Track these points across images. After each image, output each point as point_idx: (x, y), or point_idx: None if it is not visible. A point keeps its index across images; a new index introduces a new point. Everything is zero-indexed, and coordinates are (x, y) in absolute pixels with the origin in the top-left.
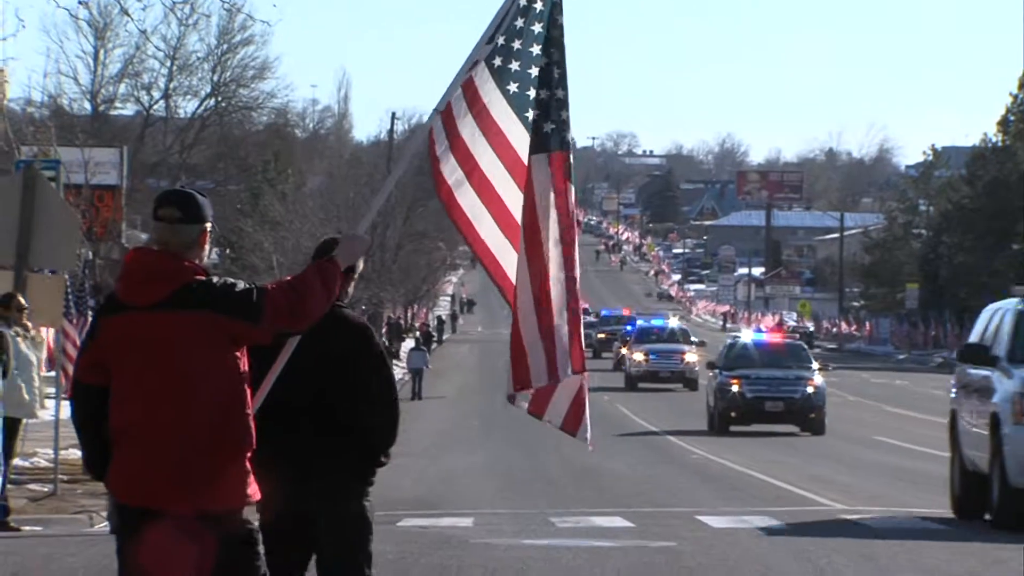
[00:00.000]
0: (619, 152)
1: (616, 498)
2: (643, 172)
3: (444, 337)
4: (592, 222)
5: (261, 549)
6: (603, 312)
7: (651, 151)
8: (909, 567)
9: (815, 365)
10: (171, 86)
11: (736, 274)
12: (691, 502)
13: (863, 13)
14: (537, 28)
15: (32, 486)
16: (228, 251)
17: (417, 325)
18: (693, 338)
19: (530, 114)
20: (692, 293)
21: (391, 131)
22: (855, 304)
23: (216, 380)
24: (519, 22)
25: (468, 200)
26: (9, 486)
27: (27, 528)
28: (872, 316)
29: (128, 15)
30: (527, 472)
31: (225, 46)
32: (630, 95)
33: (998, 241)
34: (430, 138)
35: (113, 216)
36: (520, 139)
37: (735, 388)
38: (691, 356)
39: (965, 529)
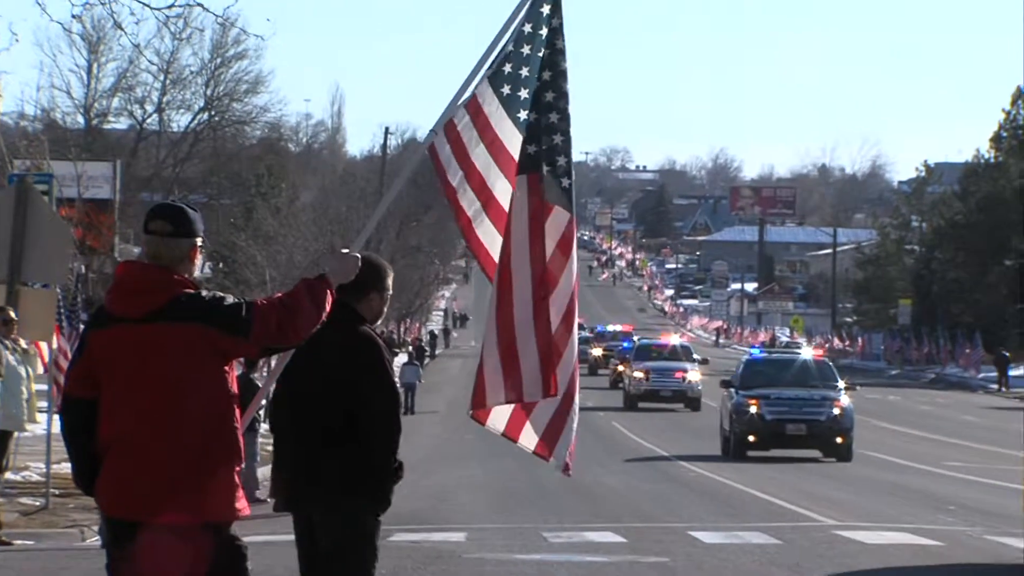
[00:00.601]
0: (612, 167)
1: (609, 513)
2: (636, 187)
3: (437, 352)
4: (585, 237)
5: (250, 565)
6: (599, 328)
7: (644, 166)
8: None
9: (841, 384)
10: (164, 100)
11: (729, 289)
12: (684, 518)
13: (857, 29)
14: (542, 53)
15: (24, 500)
16: (221, 265)
17: (410, 340)
18: (695, 355)
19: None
20: (683, 309)
21: (384, 146)
22: (848, 320)
23: (204, 393)
24: (525, 49)
25: (484, 230)
26: (1, 500)
27: (19, 542)
28: (865, 332)
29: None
30: (520, 487)
31: (219, 60)
32: (623, 110)
33: (991, 257)
34: (437, 163)
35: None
36: None
37: (753, 409)
38: (693, 375)
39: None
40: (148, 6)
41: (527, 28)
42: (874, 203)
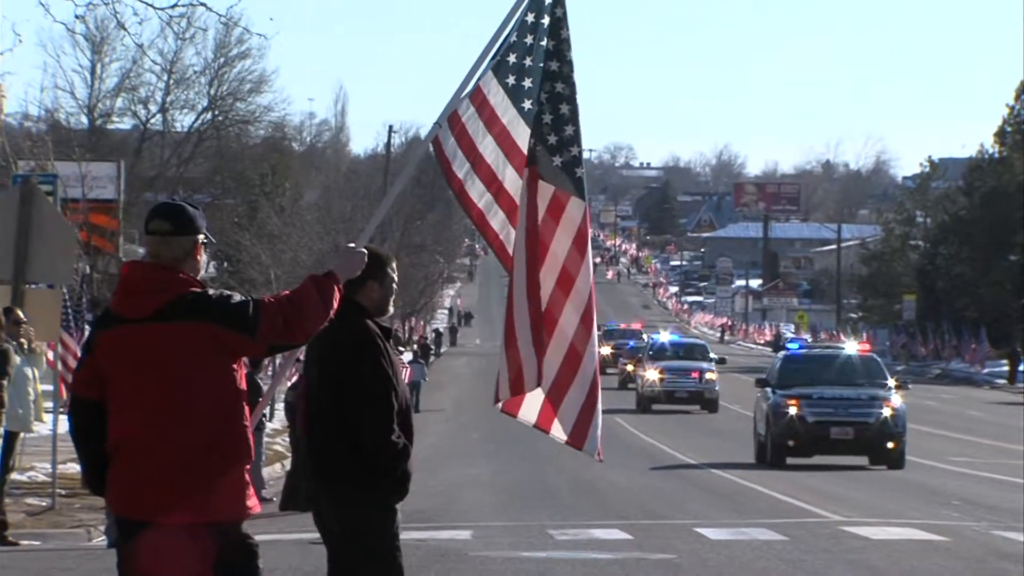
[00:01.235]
0: (616, 164)
1: (615, 510)
2: (640, 184)
3: (442, 350)
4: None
5: (261, 563)
6: (609, 325)
7: (648, 163)
8: None
9: (891, 382)
10: (168, 100)
11: (734, 286)
12: (690, 514)
13: (861, 25)
14: (545, 43)
15: (30, 500)
16: (226, 264)
17: (415, 338)
18: (712, 355)
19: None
20: (687, 305)
21: (388, 144)
22: (853, 316)
23: (212, 391)
24: (528, 39)
25: (499, 223)
26: (7, 500)
27: (25, 542)
28: (870, 328)
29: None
30: (526, 484)
31: (222, 60)
32: (627, 107)
33: (995, 252)
34: (441, 154)
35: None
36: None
37: (793, 411)
38: (711, 375)
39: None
40: (151, 6)
41: (530, 17)
42: (878, 199)
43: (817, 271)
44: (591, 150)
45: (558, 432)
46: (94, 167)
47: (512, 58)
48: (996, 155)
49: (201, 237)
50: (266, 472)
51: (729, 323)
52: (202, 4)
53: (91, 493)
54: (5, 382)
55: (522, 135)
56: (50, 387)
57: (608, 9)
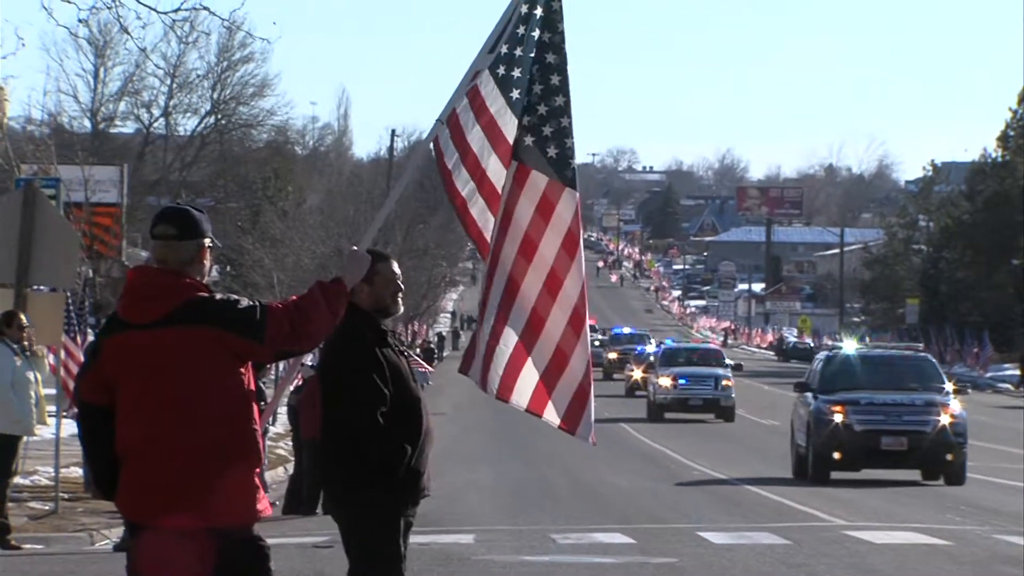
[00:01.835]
0: (619, 168)
1: (617, 514)
2: (643, 188)
3: (444, 353)
4: (592, 238)
5: (272, 565)
6: (614, 330)
7: (651, 167)
8: None
9: (949, 386)
10: (171, 104)
11: (736, 290)
12: (693, 518)
13: (863, 29)
14: (537, 34)
15: (33, 504)
16: (229, 268)
17: (418, 342)
18: (728, 360)
19: (525, 120)
20: (693, 309)
21: (391, 148)
22: (856, 320)
23: (219, 395)
24: (520, 29)
25: (479, 210)
26: (10, 504)
27: (28, 546)
28: (873, 331)
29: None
30: (529, 488)
31: (225, 64)
32: (630, 111)
33: (998, 256)
34: (438, 149)
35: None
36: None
37: (838, 418)
38: (727, 381)
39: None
40: (154, 10)
41: (523, 8)
42: (881, 203)
43: (820, 275)
44: (594, 154)
45: (551, 416)
46: (97, 171)
47: (504, 48)
48: (999, 159)
49: (207, 241)
50: (269, 476)
51: (732, 327)
52: (205, 8)
53: (101, 498)
54: None
55: (509, 124)
56: (53, 391)
57: (611, 13)
